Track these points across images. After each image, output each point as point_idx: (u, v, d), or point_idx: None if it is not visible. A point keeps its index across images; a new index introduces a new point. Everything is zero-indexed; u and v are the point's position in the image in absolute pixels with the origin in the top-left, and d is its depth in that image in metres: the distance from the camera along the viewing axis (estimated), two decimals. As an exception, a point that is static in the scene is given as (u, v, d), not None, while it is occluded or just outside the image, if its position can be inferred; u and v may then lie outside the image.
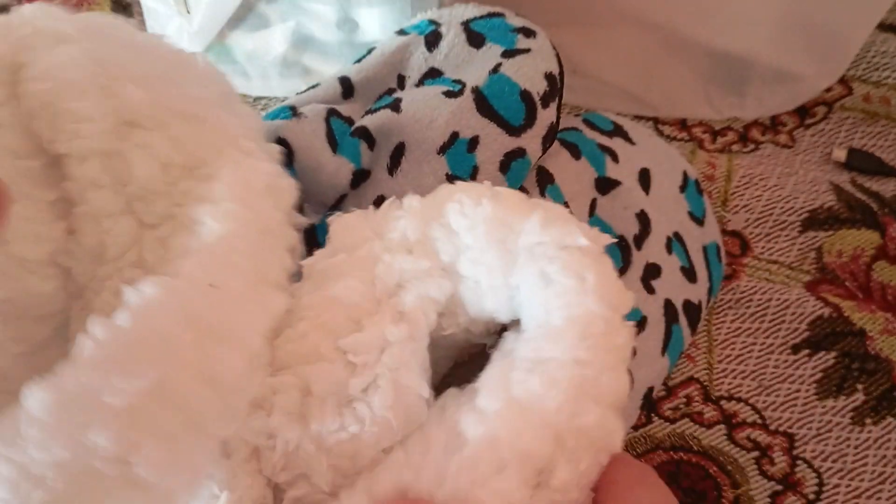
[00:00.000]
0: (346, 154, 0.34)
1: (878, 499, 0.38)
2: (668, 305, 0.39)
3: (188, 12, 0.49)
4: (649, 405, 0.40)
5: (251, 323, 0.23)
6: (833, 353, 0.42)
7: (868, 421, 0.40)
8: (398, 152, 0.34)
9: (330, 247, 0.26)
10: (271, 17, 0.49)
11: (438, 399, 0.24)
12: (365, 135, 0.35)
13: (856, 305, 0.44)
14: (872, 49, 0.54)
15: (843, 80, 0.53)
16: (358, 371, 0.23)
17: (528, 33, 0.37)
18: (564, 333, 0.22)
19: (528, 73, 0.35)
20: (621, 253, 0.38)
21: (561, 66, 0.37)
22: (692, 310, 0.40)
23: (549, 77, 0.36)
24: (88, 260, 0.25)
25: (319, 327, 0.24)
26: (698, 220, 0.43)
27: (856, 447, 0.39)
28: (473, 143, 0.34)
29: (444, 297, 0.25)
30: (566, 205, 0.37)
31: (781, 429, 0.40)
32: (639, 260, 0.39)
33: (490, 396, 0.22)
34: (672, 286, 0.39)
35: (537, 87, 0.35)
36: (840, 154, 0.49)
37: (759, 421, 0.40)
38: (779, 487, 0.38)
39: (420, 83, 0.38)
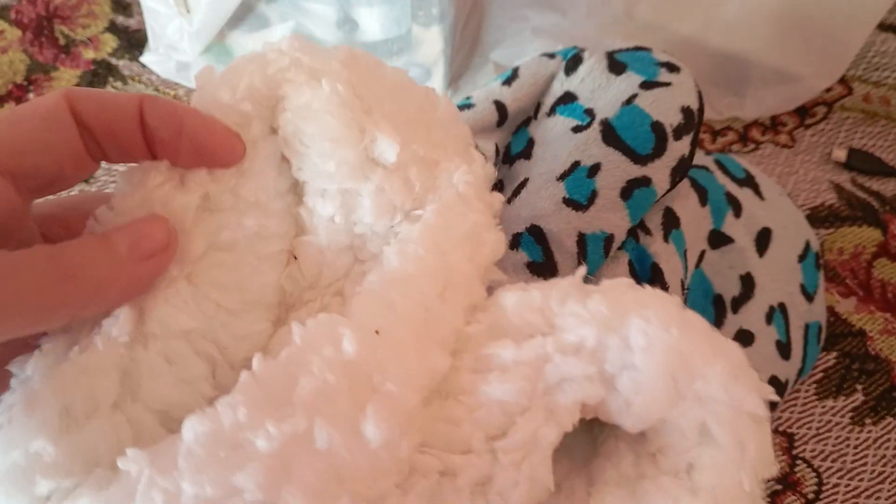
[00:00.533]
0: None
1: (878, 498, 0.38)
2: None
3: (188, 12, 0.49)
4: None
5: (410, 378, 0.22)
6: (833, 354, 0.42)
7: (867, 421, 0.40)
8: (521, 186, 0.34)
9: (494, 319, 0.24)
10: (271, 17, 0.49)
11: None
12: (498, 185, 0.35)
13: (854, 307, 0.44)
14: (872, 49, 0.54)
15: (843, 80, 0.53)
16: (503, 467, 0.22)
17: (672, 68, 0.36)
18: (706, 496, 0.21)
19: (663, 107, 0.34)
20: (714, 311, 0.37)
21: (701, 102, 0.36)
22: (777, 386, 0.38)
23: (685, 111, 0.35)
24: (305, 285, 0.25)
25: (474, 420, 0.22)
26: (809, 295, 0.41)
27: (855, 447, 0.39)
28: (594, 169, 0.33)
29: (592, 402, 0.23)
30: (685, 253, 0.36)
31: (781, 428, 0.40)
32: (731, 324, 0.38)
33: None
34: (762, 358, 0.38)
35: (671, 119, 0.34)
36: (840, 154, 0.49)
37: (759, 421, 0.40)
38: (778, 487, 0.38)
39: (552, 110, 0.37)
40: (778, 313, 0.39)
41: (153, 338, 0.23)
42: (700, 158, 0.42)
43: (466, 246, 0.24)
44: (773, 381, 0.38)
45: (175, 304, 0.23)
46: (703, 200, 0.38)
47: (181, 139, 0.23)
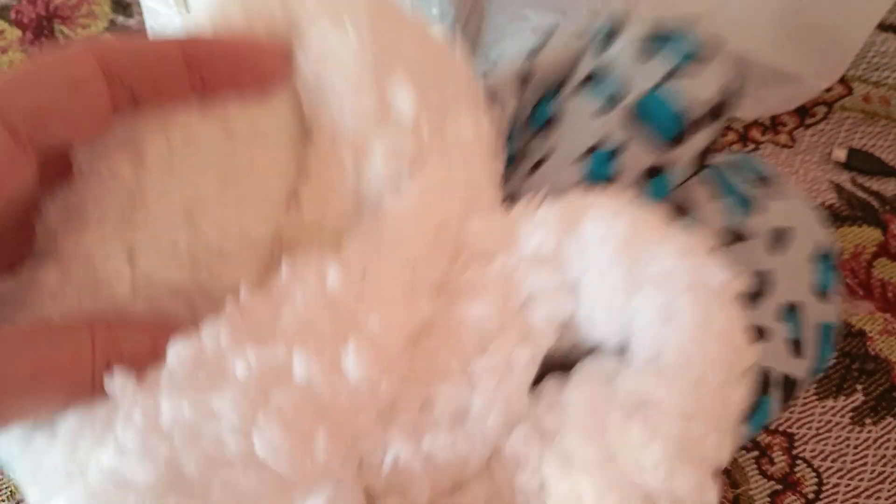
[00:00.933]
0: None
1: (878, 498, 0.38)
2: (764, 375, 0.38)
3: (188, 12, 0.49)
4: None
5: (394, 322, 0.22)
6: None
7: (867, 421, 0.40)
8: (540, 162, 0.35)
9: (465, 253, 0.25)
10: (271, 16, 0.49)
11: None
12: (510, 160, 0.35)
13: (863, 308, 0.44)
14: (872, 49, 0.54)
15: (843, 80, 0.53)
16: (478, 392, 0.22)
17: (704, 59, 0.37)
18: (676, 378, 0.21)
19: (691, 96, 0.35)
20: None
21: (730, 97, 0.37)
22: (789, 385, 0.38)
23: (710, 103, 0.35)
24: (304, 233, 0.25)
25: (450, 347, 0.23)
26: (823, 295, 0.40)
27: (855, 447, 0.39)
28: (615, 152, 0.34)
29: (566, 318, 0.24)
30: None
31: (781, 428, 0.40)
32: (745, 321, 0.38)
33: (580, 439, 0.21)
34: (774, 357, 0.37)
35: (697, 109, 0.35)
36: (840, 154, 0.49)
37: (759, 421, 0.40)
38: (778, 487, 0.38)
39: (577, 90, 0.38)
40: (791, 312, 0.39)
41: (137, 294, 0.22)
42: (718, 157, 0.43)
43: (463, 191, 0.25)
44: (786, 380, 0.38)
45: (166, 256, 0.23)
46: (717, 195, 0.38)
47: (237, 70, 0.22)
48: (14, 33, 0.56)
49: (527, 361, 0.23)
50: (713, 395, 0.21)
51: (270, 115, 0.24)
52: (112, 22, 0.57)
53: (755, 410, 0.37)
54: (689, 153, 0.34)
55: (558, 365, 0.25)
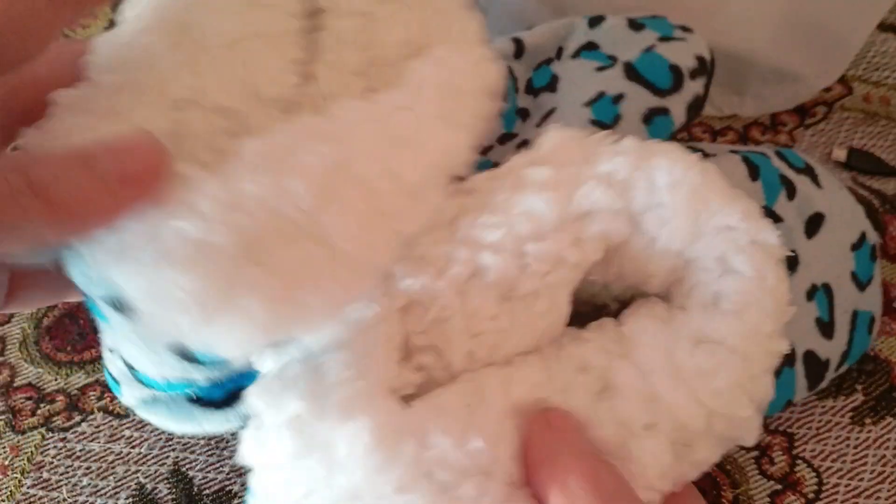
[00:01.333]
0: (506, 122, 0.38)
1: (878, 498, 0.38)
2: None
3: None
4: None
5: (437, 141, 0.24)
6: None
7: (867, 421, 0.40)
8: (549, 114, 0.38)
9: (536, 153, 0.26)
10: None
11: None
12: (524, 113, 0.39)
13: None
14: (872, 49, 0.54)
15: (843, 80, 0.53)
16: (528, 275, 0.24)
17: (686, 30, 0.41)
18: (736, 323, 0.23)
19: (680, 53, 0.39)
20: None
21: (712, 56, 0.41)
22: (816, 363, 0.38)
23: (699, 58, 0.39)
24: (321, 105, 0.27)
25: (508, 226, 0.24)
26: (860, 283, 0.41)
27: (855, 447, 0.39)
28: (618, 98, 0.37)
29: (618, 240, 0.26)
30: None
31: (781, 428, 0.40)
32: None
33: (651, 354, 0.23)
34: (798, 331, 0.38)
35: (687, 63, 0.39)
36: (840, 154, 0.49)
37: (759, 420, 0.40)
38: (778, 487, 0.38)
39: (576, 54, 0.41)
40: (821, 293, 0.39)
41: (196, 105, 0.25)
42: (762, 148, 0.43)
43: (475, 68, 0.27)
44: (811, 356, 0.39)
45: (219, 79, 0.25)
46: (754, 176, 0.40)
47: None
48: (14, 33, 0.56)
49: (575, 263, 0.25)
50: (764, 343, 0.23)
51: None
52: (112, 22, 0.57)
53: (779, 381, 0.37)
54: (686, 98, 0.38)
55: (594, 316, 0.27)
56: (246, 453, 0.23)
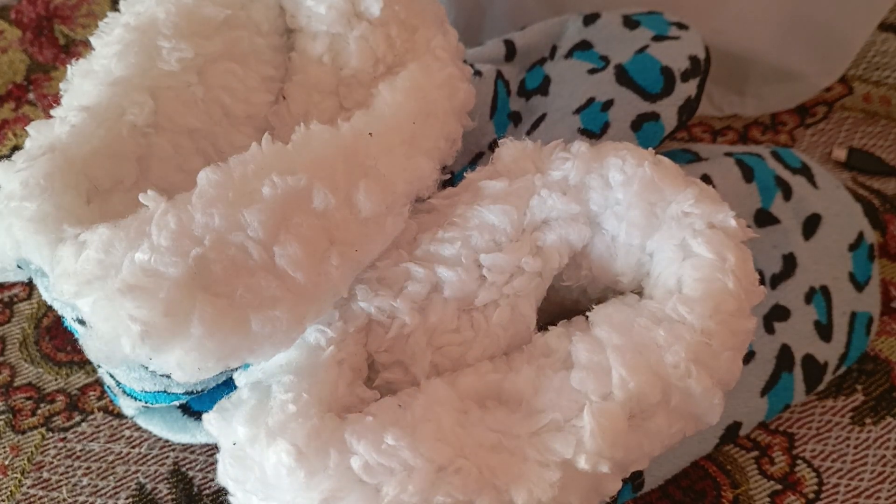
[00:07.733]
0: (497, 127, 0.38)
1: (878, 498, 0.38)
2: (785, 351, 0.38)
3: None
4: (731, 440, 0.38)
5: (397, 169, 0.25)
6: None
7: (867, 421, 0.40)
8: (539, 121, 0.38)
9: (492, 167, 0.28)
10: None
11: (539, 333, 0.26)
12: (516, 118, 0.38)
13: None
14: (872, 49, 0.54)
15: (843, 80, 0.53)
16: (486, 286, 0.25)
17: (682, 27, 0.40)
18: (696, 303, 0.24)
19: (672, 54, 0.38)
20: None
21: (708, 54, 0.40)
22: (813, 367, 0.38)
23: (692, 59, 0.39)
24: (291, 124, 0.28)
25: (465, 238, 0.25)
26: (858, 284, 0.41)
27: (855, 447, 0.39)
28: (608, 104, 0.37)
29: (580, 244, 0.26)
30: None
31: (781, 428, 0.40)
32: (768, 299, 0.38)
33: (610, 331, 0.24)
34: (797, 335, 0.38)
35: (679, 64, 0.38)
36: (840, 154, 0.49)
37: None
38: (778, 487, 0.38)
39: (569, 53, 0.40)
40: (819, 295, 0.39)
41: (162, 129, 0.27)
42: (757, 149, 0.43)
43: (444, 89, 0.28)
44: (809, 360, 0.39)
45: (185, 103, 0.27)
46: (749, 178, 0.39)
47: None
48: (14, 33, 0.56)
49: (534, 271, 0.26)
50: (727, 321, 0.24)
51: (261, 7, 0.29)
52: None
53: (774, 385, 0.37)
54: (677, 101, 0.38)
55: (571, 313, 0.27)
56: (220, 476, 0.23)
